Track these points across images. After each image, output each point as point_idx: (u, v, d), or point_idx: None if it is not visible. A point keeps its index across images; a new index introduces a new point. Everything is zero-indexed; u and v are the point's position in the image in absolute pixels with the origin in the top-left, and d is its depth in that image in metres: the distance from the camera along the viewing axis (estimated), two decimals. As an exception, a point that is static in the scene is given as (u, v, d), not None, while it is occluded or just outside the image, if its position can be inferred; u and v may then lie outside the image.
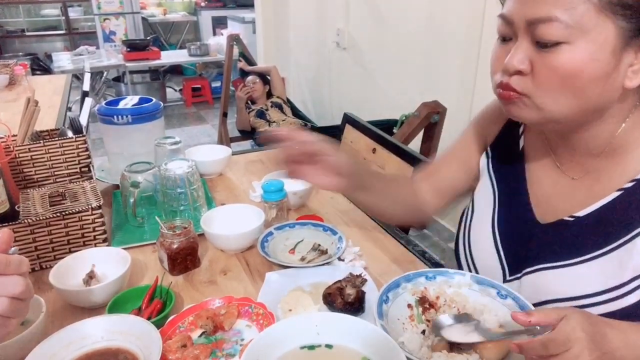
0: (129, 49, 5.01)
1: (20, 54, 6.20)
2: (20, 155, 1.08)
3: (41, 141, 1.10)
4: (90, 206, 0.99)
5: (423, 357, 0.68)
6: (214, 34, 6.39)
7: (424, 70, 2.68)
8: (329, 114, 3.79)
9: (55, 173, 1.13)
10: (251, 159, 1.59)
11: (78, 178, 1.14)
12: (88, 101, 2.33)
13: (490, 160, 0.90)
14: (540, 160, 0.82)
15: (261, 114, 3.33)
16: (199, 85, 5.74)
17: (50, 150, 1.10)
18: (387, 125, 2.34)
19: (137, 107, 1.30)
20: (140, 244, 1.07)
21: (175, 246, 0.94)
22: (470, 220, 0.90)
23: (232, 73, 3.80)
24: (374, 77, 3.16)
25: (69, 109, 2.82)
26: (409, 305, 0.79)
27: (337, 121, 2.06)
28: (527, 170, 0.84)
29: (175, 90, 6.10)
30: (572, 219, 0.75)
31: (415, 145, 2.19)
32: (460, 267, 0.91)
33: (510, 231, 0.83)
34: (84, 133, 1.17)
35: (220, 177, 1.43)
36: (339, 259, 1.00)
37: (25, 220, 0.93)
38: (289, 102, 3.50)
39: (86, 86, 2.75)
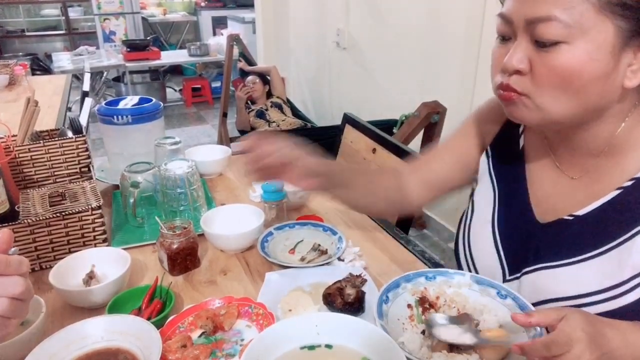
0: (129, 49, 5.01)
1: (20, 54, 6.21)
2: (20, 155, 1.08)
3: (41, 141, 1.10)
4: (90, 206, 0.99)
5: (423, 357, 0.68)
6: (214, 34, 6.39)
7: (424, 70, 2.68)
8: (329, 114, 3.80)
9: (55, 173, 1.13)
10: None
11: (78, 178, 1.14)
12: (88, 101, 2.33)
13: (490, 160, 0.90)
14: (540, 160, 0.82)
15: (261, 114, 3.33)
16: (199, 86, 5.74)
17: (50, 151, 1.10)
18: (387, 125, 2.34)
19: (137, 107, 1.31)
20: (140, 244, 1.07)
21: (175, 246, 0.94)
22: (470, 221, 0.90)
23: (232, 73, 3.80)
24: (374, 77, 3.16)
25: (69, 109, 2.82)
26: (409, 306, 0.79)
27: (337, 121, 2.06)
28: (527, 170, 0.84)
29: (175, 91, 6.10)
30: (571, 217, 0.75)
31: (415, 145, 2.20)
32: (460, 267, 0.91)
33: (510, 231, 0.83)
34: (84, 133, 1.17)
35: (220, 177, 1.43)
36: (339, 259, 1.00)
37: (25, 221, 0.93)
38: (288, 102, 3.50)
39: (86, 86, 2.75)
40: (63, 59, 4.73)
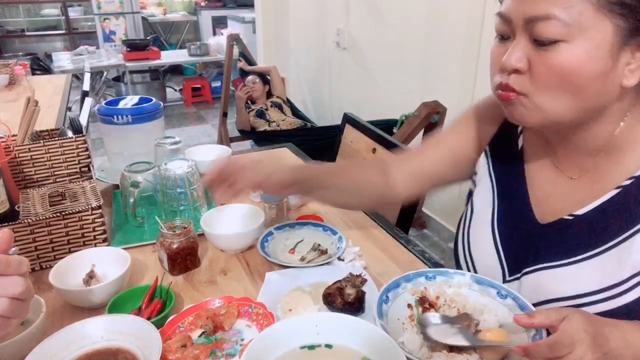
0: (129, 49, 5.00)
1: (20, 53, 6.21)
2: (20, 155, 1.08)
3: (41, 141, 1.10)
4: (90, 206, 0.99)
5: (423, 357, 0.68)
6: (214, 33, 6.39)
7: (424, 70, 2.68)
8: (329, 114, 3.80)
9: (55, 173, 1.13)
10: (251, 159, 1.59)
11: (78, 178, 1.14)
12: (88, 101, 2.33)
13: (489, 160, 0.90)
14: (539, 159, 0.82)
15: (261, 114, 3.34)
16: (199, 85, 5.74)
17: (50, 150, 1.10)
18: (387, 125, 2.34)
19: (137, 107, 1.31)
20: (140, 244, 1.07)
21: (175, 246, 0.94)
22: (469, 222, 0.90)
23: (232, 73, 3.80)
24: (374, 77, 3.16)
25: (69, 109, 2.82)
26: (409, 305, 0.79)
27: (337, 121, 2.06)
28: (526, 170, 0.84)
29: (175, 90, 6.10)
30: (571, 217, 0.75)
31: (415, 145, 2.20)
32: (459, 268, 0.91)
33: (510, 231, 0.83)
34: (84, 133, 1.17)
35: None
36: (339, 259, 1.00)
37: (25, 220, 0.93)
38: (288, 102, 3.50)
39: (86, 86, 2.75)
40: (63, 59, 4.73)
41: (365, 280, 0.88)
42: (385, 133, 1.66)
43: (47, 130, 1.25)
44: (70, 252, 0.97)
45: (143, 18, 6.46)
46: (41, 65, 5.76)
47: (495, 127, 0.89)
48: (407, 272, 0.83)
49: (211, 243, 1.05)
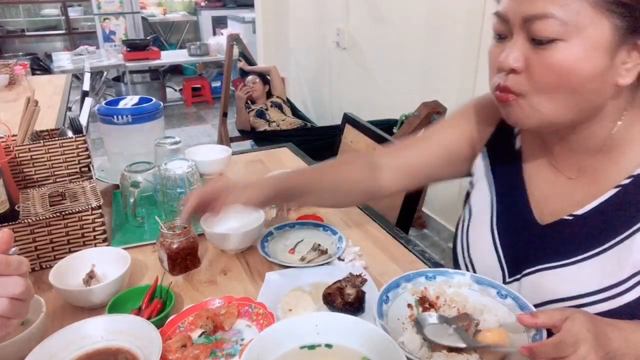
0: (129, 49, 5.00)
1: (20, 53, 6.21)
2: (20, 155, 1.08)
3: (41, 141, 1.10)
4: (90, 206, 0.99)
5: (423, 357, 0.68)
6: (214, 33, 6.39)
7: (424, 70, 2.68)
8: (329, 114, 3.80)
9: (55, 173, 1.13)
10: (251, 159, 1.59)
11: (78, 178, 1.14)
12: (88, 101, 2.33)
13: (487, 161, 0.89)
14: (536, 160, 0.82)
15: (261, 114, 3.34)
16: (199, 85, 5.74)
17: (50, 150, 1.10)
18: (387, 125, 2.34)
19: (137, 107, 1.31)
20: (140, 244, 1.07)
21: (175, 246, 0.94)
22: (468, 223, 0.89)
23: (232, 73, 3.80)
24: (374, 77, 3.16)
25: (69, 109, 2.82)
26: (409, 305, 0.79)
27: (337, 121, 2.06)
28: (524, 171, 0.84)
29: (175, 90, 6.10)
30: (571, 217, 0.75)
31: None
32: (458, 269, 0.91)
33: (510, 233, 0.83)
34: (84, 133, 1.17)
35: (220, 177, 1.43)
36: (339, 259, 1.00)
37: (25, 220, 0.93)
38: (288, 102, 3.50)
39: (86, 86, 2.75)
40: (63, 59, 4.73)
41: (365, 280, 0.88)
42: (385, 133, 1.66)
43: (47, 130, 1.25)
44: (70, 252, 0.97)
45: (143, 18, 6.46)
46: (41, 65, 5.76)
47: (492, 127, 0.89)
48: (407, 272, 0.83)
49: (211, 243, 1.05)
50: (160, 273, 0.94)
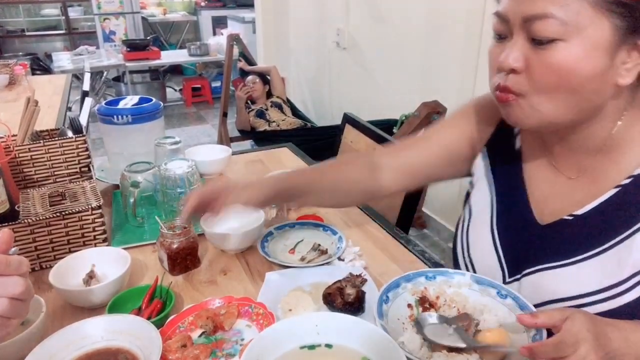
0: (129, 49, 5.00)
1: (20, 53, 6.21)
2: (20, 155, 1.08)
3: (41, 141, 1.10)
4: (90, 206, 0.99)
5: (423, 357, 0.68)
6: (214, 33, 6.39)
7: (424, 70, 2.68)
8: (329, 114, 3.80)
9: (55, 173, 1.13)
10: (251, 159, 1.59)
11: (78, 178, 1.14)
12: (88, 101, 2.33)
13: (487, 161, 0.89)
14: (536, 160, 0.82)
15: (261, 114, 3.34)
16: (199, 85, 5.74)
17: (50, 150, 1.10)
18: (387, 125, 2.34)
19: (137, 107, 1.31)
20: (140, 244, 1.07)
21: (175, 246, 0.94)
22: (468, 223, 0.89)
23: (232, 73, 3.80)
24: (374, 77, 3.16)
25: (69, 109, 2.82)
26: (409, 305, 0.79)
27: (337, 121, 2.06)
28: (524, 171, 0.84)
29: (175, 90, 6.10)
30: (571, 217, 0.75)
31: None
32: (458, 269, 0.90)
33: (510, 233, 0.83)
34: (84, 133, 1.17)
35: (220, 177, 1.43)
36: (339, 259, 1.00)
37: (25, 220, 0.93)
38: (288, 102, 3.50)
39: (86, 86, 2.75)
40: (63, 59, 4.73)
41: (365, 280, 0.88)
42: (385, 133, 1.66)
43: (47, 130, 1.25)
44: (70, 252, 0.97)
45: (143, 18, 6.46)
46: (41, 65, 5.76)
47: (492, 127, 0.89)
48: (407, 272, 0.83)
49: (211, 243, 1.05)
50: (160, 273, 0.94)
